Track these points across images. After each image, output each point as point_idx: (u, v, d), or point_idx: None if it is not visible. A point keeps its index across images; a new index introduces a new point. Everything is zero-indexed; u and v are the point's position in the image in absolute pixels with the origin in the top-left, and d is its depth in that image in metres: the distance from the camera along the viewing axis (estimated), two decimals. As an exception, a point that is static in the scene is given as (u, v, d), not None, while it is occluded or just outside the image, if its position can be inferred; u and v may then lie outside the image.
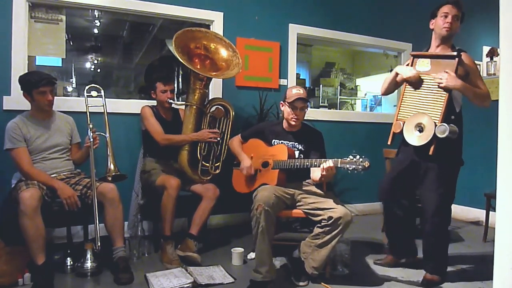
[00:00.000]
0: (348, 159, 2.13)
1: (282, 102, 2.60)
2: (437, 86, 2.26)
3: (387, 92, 2.59)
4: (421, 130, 2.24)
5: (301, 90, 2.52)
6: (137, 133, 3.08)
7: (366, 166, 2.08)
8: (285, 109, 2.54)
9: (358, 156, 2.11)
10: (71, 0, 3.08)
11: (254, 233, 2.22)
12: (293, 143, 2.55)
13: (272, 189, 2.32)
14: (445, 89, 2.21)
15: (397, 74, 2.42)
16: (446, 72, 2.21)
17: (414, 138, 2.27)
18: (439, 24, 2.33)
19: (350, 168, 2.11)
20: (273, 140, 2.57)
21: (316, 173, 2.34)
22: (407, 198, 2.50)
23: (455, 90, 2.24)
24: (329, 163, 2.17)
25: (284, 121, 2.60)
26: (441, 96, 2.24)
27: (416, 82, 2.34)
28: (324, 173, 2.20)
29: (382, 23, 4.33)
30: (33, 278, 2.22)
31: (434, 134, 2.16)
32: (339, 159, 2.16)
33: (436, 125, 2.17)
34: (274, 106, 3.57)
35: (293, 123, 2.51)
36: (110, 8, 3.25)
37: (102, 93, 2.63)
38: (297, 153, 2.53)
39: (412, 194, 2.52)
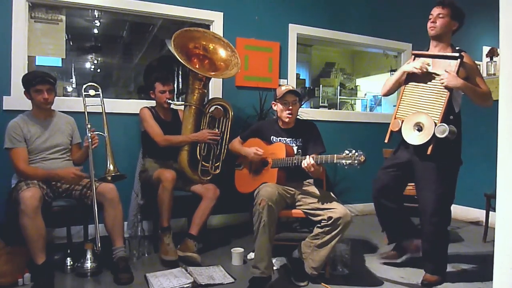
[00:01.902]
0: (344, 154, 2.12)
1: (273, 102, 2.60)
2: (437, 86, 2.26)
3: (390, 92, 2.59)
4: (420, 129, 2.24)
5: (291, 87, 2.54)
6: (137, 133, 3.08)
7: (362, 160, 2.08)
8: (278, 107, 2.54)
9: (353, 151, 2.11)
10: (71, 0, 3.08)
11: (255, 229, 2.22)
12: (291, 139, 2.55)
13: (275, 186, 2.33)
14: (446, 88, 2.21)
15: (404, 73, 2.42)
16: (447, 71, 2.21)
17: (413, 137, 2.26)
18: (427, 26, 2.37)
19: (347, 163, 2.11)
20: (272, 137, 2.58)
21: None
22: (397, 190, 2.49)
23: (456, 90, 2.24)
24: (308, 160, 2.21)
25: (279, 119, 2.60)
26: (441, 96, 2.24)
27: (422, 75, 2.33)
28: (310, 169, 2.23)
29: (382, 23, 4.33)
30: (33, 278, 2.22)
31: (434, 133, 2.16)
32: (335, 155, 2.16)
33: (435, 125, 2.18)
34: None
35: (286, 119, 2.51)
36: (110, 8, 3.25)
37: (100, 92, 2.61)
38: (295, 148, 2.53)
39: (402, 188, 2.52)
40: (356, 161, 2.08)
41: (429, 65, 2.32)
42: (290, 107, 2.48)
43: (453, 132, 2.16)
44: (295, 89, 2.52)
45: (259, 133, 2.65)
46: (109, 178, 2.44)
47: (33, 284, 2.19)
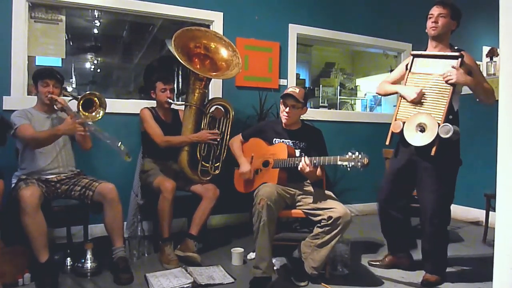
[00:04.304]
0: (347, 156, 2.13)
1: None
2: (439, 86, 2.24)
3: (386, 95, 2.59)
4: (422, 130, 2.22)
5: (297, 89, 2.50)
6: (137, 133, 3.08)
7: (365, 163, 2.08)
8: (280, 106, 2.55)
9: (357, 153, 2.11)
10: (71, 0, 3.08)
11: (255, 229, 2.21)
12: (293, 141, 2.54)
13: (274, 186, 2.32)
14: (454, 84, 2.18)
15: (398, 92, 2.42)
16: (454, 67, 2.19)
17: (416, 138, 2.24)
18: (427, 25, 2.37)
19: (350, 166, 2.11)
20: (274, 139, 2.57)
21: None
22: (404, 198, 2.49)
23: (458, 88, 2.23)
24: (303, 161, 2.22)
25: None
26: (443, 95, 2.22)
27: (422, 75, 2.33)
28: (305, 170, 2.23)
29: (382, 23, 4.33)
30: (35, 278, 2.22)
31: (437, 134, 2.15)
32: (338, 157, 2.17)
33: (439, 125, 2.16)
34: (274, 106, 3.57)
35: (283, 120, 2.51)
36: (110, 8, 3.25)
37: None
38: (298, 151, 2.53)
39: (408, 194, 2.52)
40: (359, 163, 2.09)
41: (423, 76, 2.31)
42: (288, 110, 2.48)
43: (457, 132, 2.14)
44: (297, 94, 2.44)
45: (261, 134, 2.64)
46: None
47: (37, 282, 2.18)
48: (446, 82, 2.20)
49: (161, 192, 2.62)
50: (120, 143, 2.23)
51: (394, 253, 2.62)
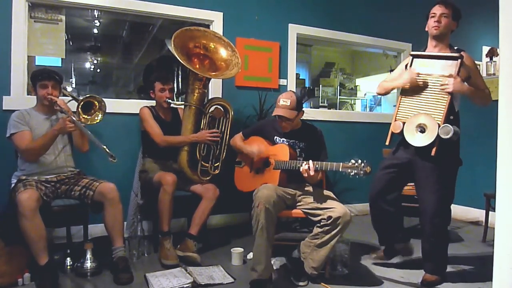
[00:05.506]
0: (350, 163, 2.13)
1: None
2: (439, 87, 2.24)
3: (386, 94, 2.59)
4: (422, 131, 2.22)
5: (288, 101, 2.41)
6: (137, 133, 3.08)
7: (368, 171, 2.09)
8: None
9: (360, 161, 2.11)
10: (71, 0, 3.08)
11: (254, 231, 2.21)
12: (294, 141, 2.54)
13: (273, 188, 2.32)
14: (449, 93, 2.20)
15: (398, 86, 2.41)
16: (451, 75, 2.19)
17: (416, 139, 2.24)
18: (429, 24, 2.36)
19: (352, 173, 2.11)
20: (275, 137, 2.57)
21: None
22: (394, 192, 2.47)
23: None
24: (305, 166, 2.22)
25: None
26: (443, 96, 2.22)
27: (417, 87, 2.32)
28: (305, 175, 2.24)
29: (382, 23, 4.33)
30: (34, 278, 2.22)
31: (437, 134, 2.15)
32: (341, 164, 2.16)
33: (439, 126, 2.16)
34: (273, 106, 3.55)
35: (283, 130, 2.53)
36: (110, 8, 3.25)
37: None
38: (298, 151, 2.52)
39: (399, 189, 2.51)
40: (362, 172, 2.09)
41: (419, 75, 2.30)
42: (284, 124, 2.48)
43: (457, 133, 2.15)
44: (286, 111, 2.41)
45: (262, 132, 2.64)
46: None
47: (37, 284, 2.18)
48: (443, 90, 2.21)
49: (161, 185, 2.61)
50: (105, 146, 2.25)
51: (385, 244, 2.63)
